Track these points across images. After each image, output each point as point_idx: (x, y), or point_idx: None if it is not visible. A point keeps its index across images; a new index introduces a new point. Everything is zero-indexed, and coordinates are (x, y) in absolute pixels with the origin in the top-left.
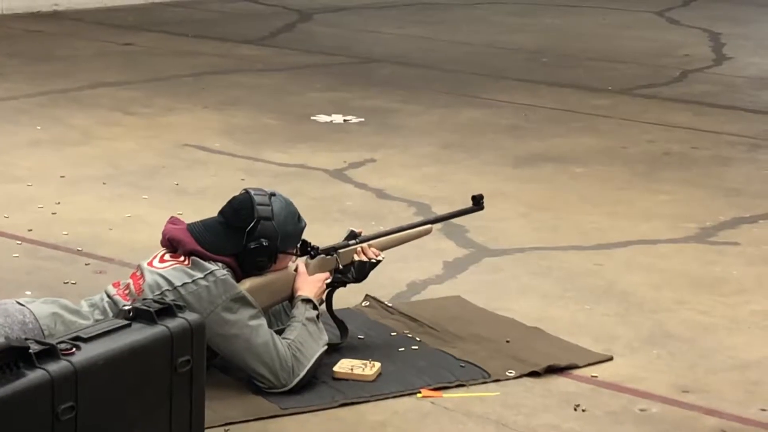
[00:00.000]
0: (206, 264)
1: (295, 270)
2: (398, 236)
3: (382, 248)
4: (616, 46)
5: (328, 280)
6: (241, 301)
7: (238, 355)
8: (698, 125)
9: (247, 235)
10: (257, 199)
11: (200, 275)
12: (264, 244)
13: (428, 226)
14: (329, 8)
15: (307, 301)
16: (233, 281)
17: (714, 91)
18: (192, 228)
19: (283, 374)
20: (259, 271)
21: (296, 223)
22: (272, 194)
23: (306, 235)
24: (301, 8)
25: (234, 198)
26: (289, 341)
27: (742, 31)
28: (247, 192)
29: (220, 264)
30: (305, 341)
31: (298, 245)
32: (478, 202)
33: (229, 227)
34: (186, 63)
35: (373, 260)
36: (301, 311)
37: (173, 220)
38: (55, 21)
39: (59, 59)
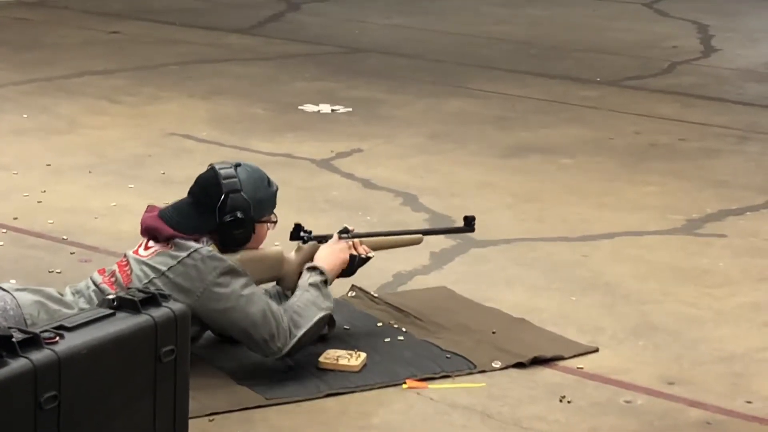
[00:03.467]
0: (189, 243)
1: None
2: (389, 239)
3: (373, 248)
4: (605, 38)
5: (351, 252)
6: (231, 273)
7: (235, 326)
8: (686, 117)
9: (219, 211)
10: (223, 173)
11: (185, 254)
12: (238, 216)
13: (419, 236)
14: None
15: (314, 268)
16: (220, 255)
17: (702, 82)
18: (163, 213)
19: (280, 339)
20: (240, 244)
21: (267, 188)
22: (237, 165)
23: (292, 224)
24: None
25: (200, 176)
26: (286, 306)
27: (731, 24)
28: (212, 167)
29: (205, 239)
30: (304, 305)
31: (275, 210)
32: (469, 224)
33: (200, 206)
34: (173, 52)
35: (363, 256)
36: (305, 278)
37: (150, 209)
38: (41, 9)
39: (45, 47)
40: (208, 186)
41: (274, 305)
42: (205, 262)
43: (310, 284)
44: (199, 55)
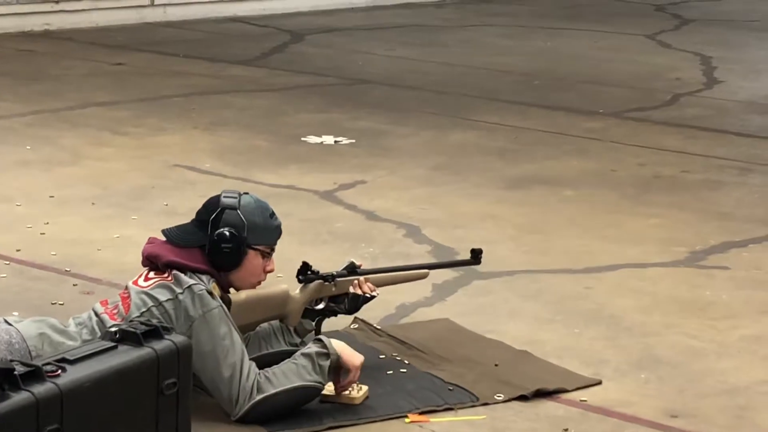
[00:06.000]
0: (185, 278)
1: (302, 289)
2: (395, 275)
3: (378, 284)
4: (608, 70)
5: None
6: (216, 317)
7: (206, 372)
8: (689, 149)
9: (212, 225)
10: (225, 193)
11: (180, 290)
12: (229, 231)
13: (425, 270)
14: (321, 29)
15: (319, 340)
16: (210, 298)
17: (705, 114)
18: (165, 231)
19: (239, 401)
20: (229, 265)
21: (267, 217)
22: (246, 193)
23: (295, 256)
24: (292, 29)
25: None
26: (266, 369)
27: (733, 55)
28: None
29: (204, 277)
30: (281, 372)
31: (274, 244)
32: (476, 257)
33: (198, 222)
34: (177, 83)
35: (368, 295)
36: (306, 348)
37: (151, 240)
38: (46, 40)
39: (50, 79)
40: (209, 203)
41: (246, 363)
42: (194, 301)
43: (303, 354)
44: (203, 86)
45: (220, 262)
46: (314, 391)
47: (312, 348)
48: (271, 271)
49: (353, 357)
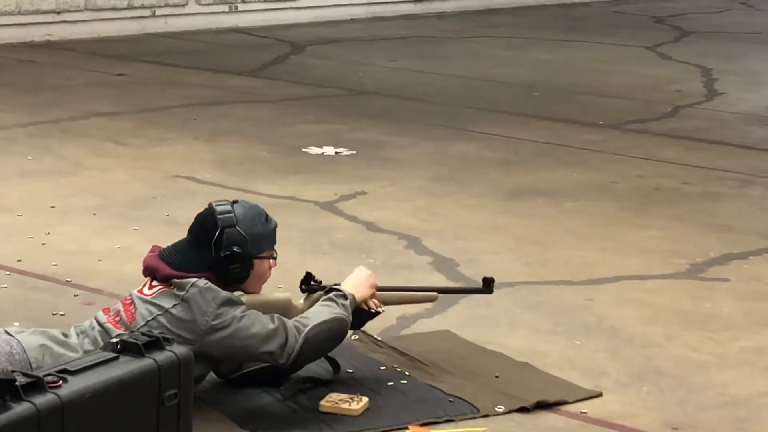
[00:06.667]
0: (186, 280)
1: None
2: (403, 295)
3: (384, 302)
4: (608, 81)
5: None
6: (229, 302)
7: (242, 351)
8: (689, 161)
9: (215, 247)
10: (219, 209)
11: (184, 292)
12: (235, 250)
13: (434, 294)
14: (321, 40)
15: (333, 289)
16: (215, 287)
17: (705, 126)
18: (162, 253)
19: (289, 344)
20: (239, 280)
21: (264, 223)
22: (234, 202)
23: (295, 267)
24: (293, 40)
25: (198, 214)
26: (295, 318)
27: (734, 67)
28: (209, 205)
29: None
30: (311, 313)
31: (275, 246)
32: (488, 285)
33: (197, 243)
34: (178, 94)
35: (373, 311)
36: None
37: (153, 249)
38: (47, 51)
39: (51, 89)
40: (204, 222)
41: (275, 315)
42: (203, 294)
43: (323, 300)
44: (203, 97)
45: (229, 280)
46: (345, 325)
47: (331, 294)
48: (275, 265)
49: (364, 289)
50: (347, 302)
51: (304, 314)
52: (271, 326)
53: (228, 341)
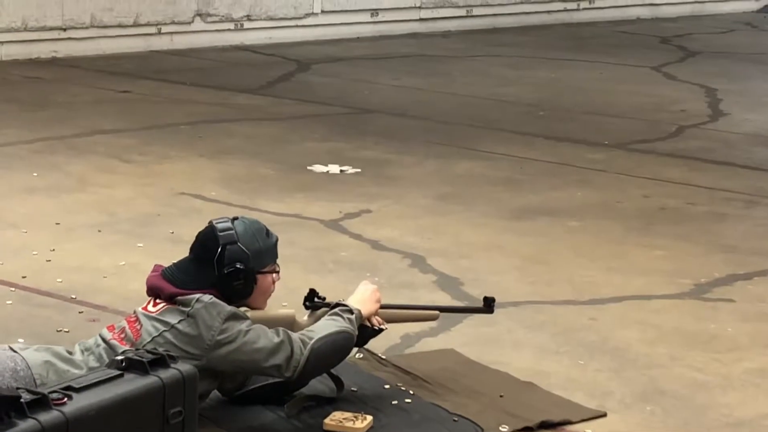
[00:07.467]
0: (191, 296)
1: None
2: (405, 313)
3: (387, 320)
4: (613, 101)
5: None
6: (233, 318)
7: (249, 365)
8: (694, 181)
9: (218, 264)
10: (219, 226)
11: (189, 308)
12: (237, 267)
13: (436, 312)
14: (327, 59)
15: (338, 305)
16: (220, 301)
17: (710, 146)
18: (165, 273)
19: (294, 358)
20: (243, 297)
21: (265, 238)
22: (235, 218)
23: (300, 284)
24: (298, 58)
25: (199, 232)
26: (301, 331)
27: (738, 88)
28: (210, 223)
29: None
30: (316, 327)
31: (277, 261)
32: (489, 305)
33: (200, 261)
34: (183, 111)
35: (376, 328)
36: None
37: (155, 268)
38: (53, 68)
39: (57, 106)
40: (206, 240)
41: (280, 328)
42: (208, 309)
43: (330, 314)
44: (209, 114)
45: (233, 296)
46: (351, 338)
47: (336, 309)
48: (278, 279)
49: (370, 304)
50: (353, 317)
51: (310, 327)
52: (277, 339)
53: (234, 355)
